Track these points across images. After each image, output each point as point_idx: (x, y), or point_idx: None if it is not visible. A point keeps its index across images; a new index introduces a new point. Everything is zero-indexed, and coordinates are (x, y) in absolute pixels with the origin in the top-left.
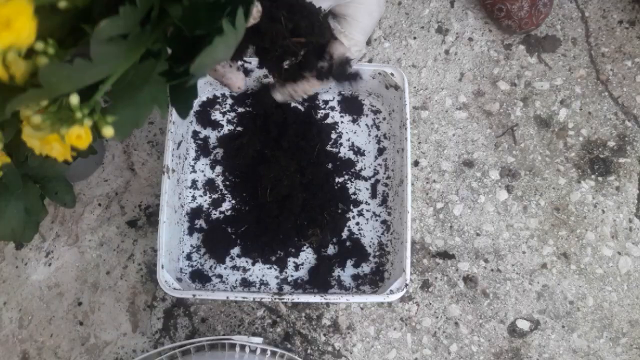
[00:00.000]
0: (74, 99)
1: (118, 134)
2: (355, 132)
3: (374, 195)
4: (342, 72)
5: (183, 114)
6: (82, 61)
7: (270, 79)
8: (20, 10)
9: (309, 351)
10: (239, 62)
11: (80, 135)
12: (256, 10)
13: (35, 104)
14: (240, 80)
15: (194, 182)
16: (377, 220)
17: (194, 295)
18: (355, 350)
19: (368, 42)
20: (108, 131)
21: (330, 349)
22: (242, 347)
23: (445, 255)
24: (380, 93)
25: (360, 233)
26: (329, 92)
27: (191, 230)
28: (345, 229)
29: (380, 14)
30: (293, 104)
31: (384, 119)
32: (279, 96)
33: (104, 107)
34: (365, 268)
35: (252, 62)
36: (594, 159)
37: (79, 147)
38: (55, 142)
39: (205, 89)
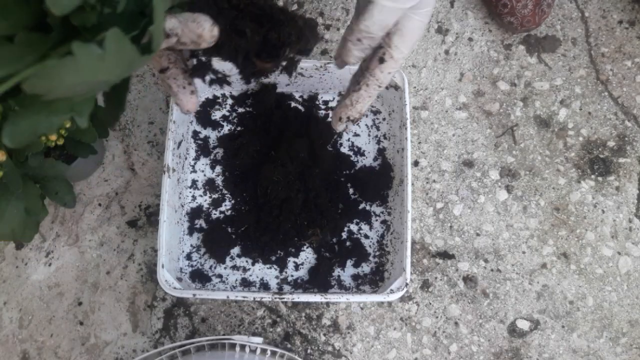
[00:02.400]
0: None
1: (12, 142)
2: (355, 133)
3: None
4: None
5: (108, 124)
6: None
7: (270, 80)
8: None
9: (309, 351)
10: (192, 86)
11: None
12: (210, 34)
13: None
14: (189, 103)
15: (194, 182)
16: (377, 220)
17: (194, 295)
18: (355, 350)
19: None
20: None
21: (330, 348)
22: (242, 347)
23: (445, 255)
24: (380, 93)
25: (360, 233)
26: (329, 92)
27: (191, 230)
28: (345, 228)
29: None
30: (293, 104)
31: (384, 119)
32: (340, 127)
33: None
34: (365, 268)
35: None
36: (594, 159)
37: None
38: None
39: (206, 89)
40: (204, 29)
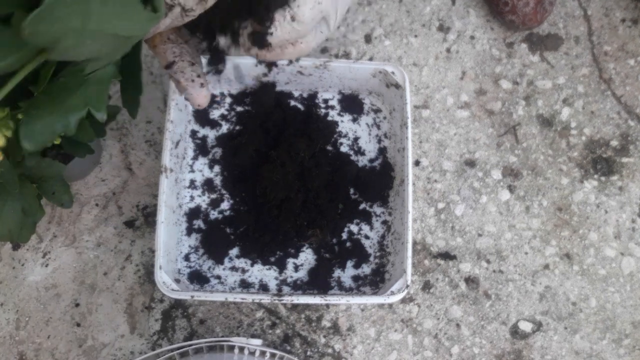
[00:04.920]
0: None
1: (30, 144)
2: (355, 132)
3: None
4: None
5: (132, 113)
6: None
7: (270, 78)
8: None
9: (308, 353)
10: (201, 78)
11: None
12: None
13: None
14: (200, 96)
15: (192, 182)
16: (377, 220)
17: (192, 297)
18: (356, 352)
19: (368, 40)
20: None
21: (330, 350)
22: (241, 349)
23: (446, 256)
24: (380, 92)
25: (360, 233)
26: (328, 91)
27: (189, 231)
28: (346, 229)
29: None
30: (293, 103)
31: (385, 118)
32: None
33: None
34: (366, 269)
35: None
36: (597, 158)
37: None
38: None
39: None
40: None
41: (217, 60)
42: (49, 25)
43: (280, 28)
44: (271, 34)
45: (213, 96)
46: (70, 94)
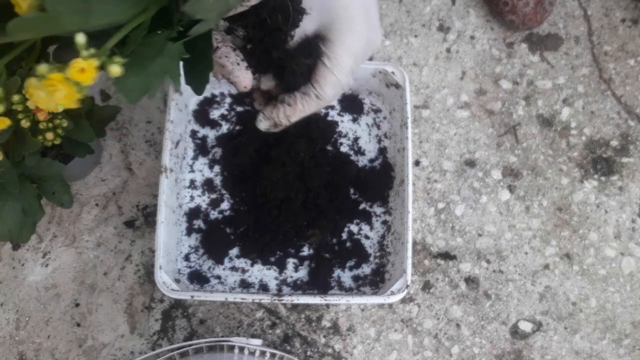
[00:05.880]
0: (80, 38)
1: (128, 98)
2: (355, 132)
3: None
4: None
5: (199, 89)
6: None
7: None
8: None
9: (308, 353)
10: (245, 62)
11: (83, 68)
12: None
13: (35, 34)
14: (247, 79)
15: (192, 182)
16: (377, 220)
17: (192, 297)
18: (356, 352)
19: None
20: (115, 69)
21: (330, 350)
22: (241, 349)
23: (446, 256)
24: (380, 92)
25: (360, 233)
26: None
27: (189, 231)
28: (345, 229)
29: (371, 38)
30: None
31: (385, 118)
32: (262, 124)
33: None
34: (366, 269)
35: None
36: (597, 158)
37: (83, 82)
38: (60, 83)
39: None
40: None
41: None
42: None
43: (307, 104)
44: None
45: (213, 96)
46: (151, 61)
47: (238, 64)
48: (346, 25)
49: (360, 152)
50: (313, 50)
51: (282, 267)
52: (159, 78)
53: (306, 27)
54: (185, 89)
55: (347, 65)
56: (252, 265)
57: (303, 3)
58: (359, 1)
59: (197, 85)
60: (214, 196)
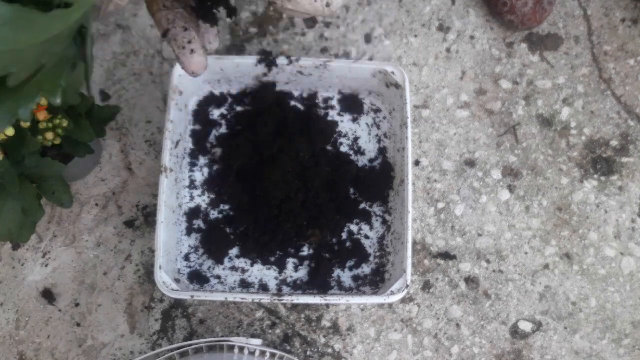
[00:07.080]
0: None
1: None
2: (355, 132)
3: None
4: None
5: (81, 86)
6: None
7: (270, 78)
8: None
9: (308, 353)
10: (193, 44)
11: None
12: None
13: None
14: (193, 63)
15: (192, 181)
16: (377, 220)
17: (192, 297)
18: (356, 352)
19: (368, 40)
20: None
21: (330, 350)
22: (241, 349)
23: (446, 256)
24: (380, 92)
25: (360, 233)
26: (328, 91)
27: (189, 231)
28: (345, 229)
29: None
30: (293, 103)
31: (385, 118)
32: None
33: None
34: (366, 269)
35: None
36: (597, 158)
37: None
38: None
39: (204, 87)
40: None
41: (208, 12)
42: None
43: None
44: None
45: (213, 96)
46: (24, 83)
47: (184, 47)
48: None
49: (360, 152)
50: None
51: (282, 267)
52: (33, 99)
53: None
54: (186, 88)
55: None
56: (252, 265)
57: None
58: None
59: (75, 86)
60: (213, 196)
